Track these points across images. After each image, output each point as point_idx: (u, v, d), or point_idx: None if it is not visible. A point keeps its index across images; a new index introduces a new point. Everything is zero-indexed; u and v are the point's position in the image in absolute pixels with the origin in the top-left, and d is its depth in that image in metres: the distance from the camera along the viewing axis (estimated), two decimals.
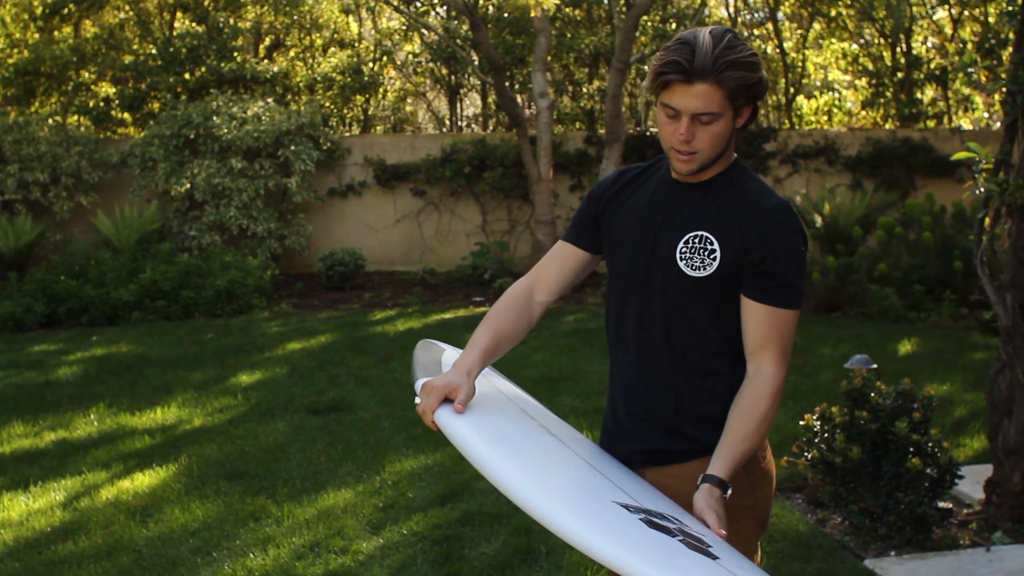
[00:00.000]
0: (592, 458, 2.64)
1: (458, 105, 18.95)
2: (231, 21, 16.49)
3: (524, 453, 2.43)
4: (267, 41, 17.68)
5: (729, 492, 2.47)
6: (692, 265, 2.57)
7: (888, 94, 18.19)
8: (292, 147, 13.39)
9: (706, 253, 2.56)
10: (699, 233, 2.58)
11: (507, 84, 14.68)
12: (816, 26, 18.98)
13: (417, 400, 2.49)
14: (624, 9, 15.16)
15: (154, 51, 16.00)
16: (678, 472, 2.64)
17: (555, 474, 2.44)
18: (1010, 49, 5.06)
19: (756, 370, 2.56)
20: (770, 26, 18.55)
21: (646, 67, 16.24)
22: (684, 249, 2.58)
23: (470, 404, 2.47)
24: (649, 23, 16.81)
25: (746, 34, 19.08)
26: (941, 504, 5.13)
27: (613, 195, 2.79)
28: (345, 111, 17.71)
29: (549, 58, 15.25)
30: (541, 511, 2.15)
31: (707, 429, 2.61)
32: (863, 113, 19.25)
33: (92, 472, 6.26)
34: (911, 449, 4.85)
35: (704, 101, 2.47)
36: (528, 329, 2.78)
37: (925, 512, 4.84)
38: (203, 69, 15.05)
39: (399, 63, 18.30)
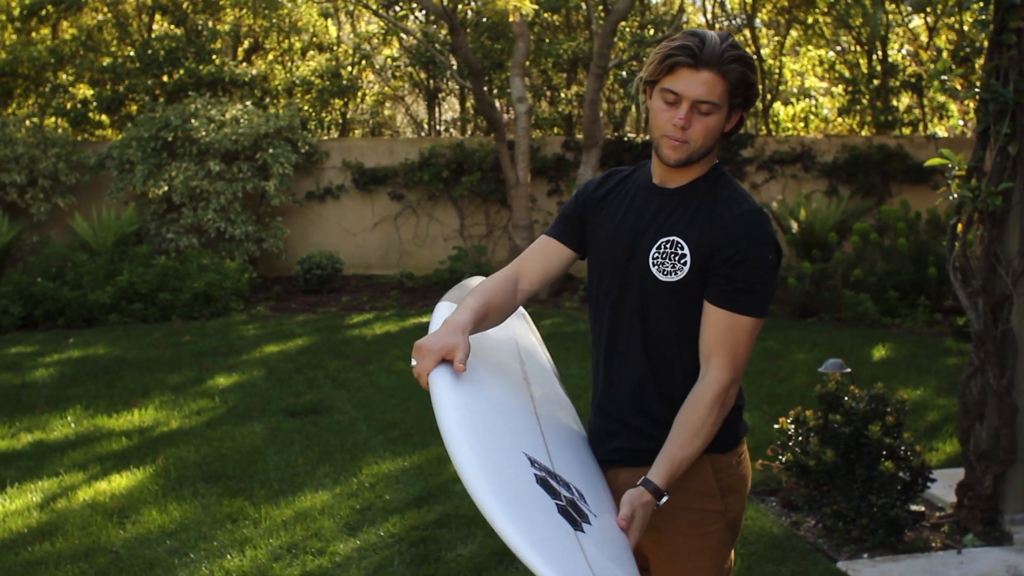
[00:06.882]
0: (550, 422, 2.63)
1: (436, 109, 18.96)
2: (210, 24, 16.45)
3: (488, 436, 2.34)
4: (246, 44, 17.65)
5: (664, 500, 2.44)
6: (664, 270, 2.57)
7: (864, 101, 18.30)
8: (270, 150, 13.39)
9: (677, 258, 2.56)
10: (671, 238, 2.57)
11: (485, 89, 14.71)
12: (793, 33, 19.09)
13: (413, 363, 2.39)
14: (602, 15, 15.20)
15: (132, 53, 15.94)
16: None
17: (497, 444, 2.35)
18: (984, 57, 5.12)
19: (703, 374, 2.54)
20: (747, 33, 18.62)
21: (624, 73, 16.30)
22: (656, 255, 2.58)
23: (469, 362, 2.40)
24: (627, 29, 16.86)
25: None
26: (913, 507, 5.19)
27: (599, 199, 2.77)
28: (323, 115, 17.70)
29: (528, 63, 15.28)
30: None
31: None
32: (839, 120, 19.35)
33: (69, 473, 6.26)
34: (884, 453, 4.90)
35: (708, 89, 2.49)
36: (512, 311, 2.74)
37: (897, 515, 4.89)
38: (181, 72, 15.01)
39: (378, 67, 18.29)
